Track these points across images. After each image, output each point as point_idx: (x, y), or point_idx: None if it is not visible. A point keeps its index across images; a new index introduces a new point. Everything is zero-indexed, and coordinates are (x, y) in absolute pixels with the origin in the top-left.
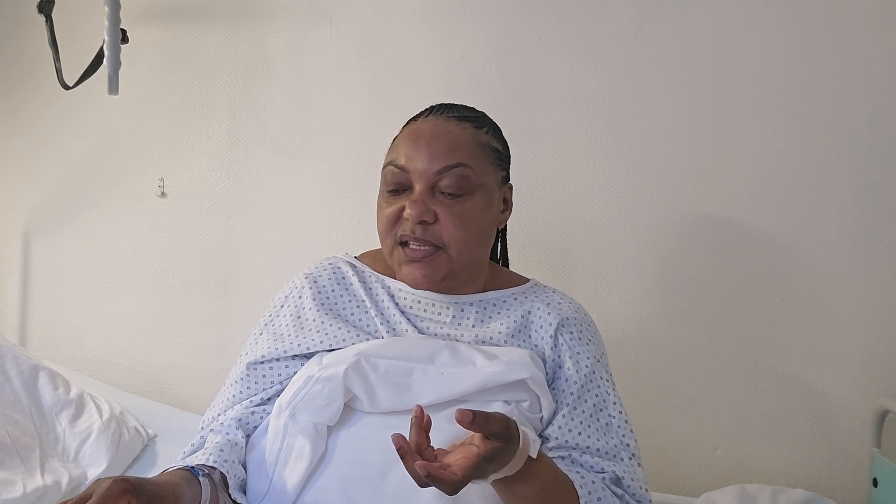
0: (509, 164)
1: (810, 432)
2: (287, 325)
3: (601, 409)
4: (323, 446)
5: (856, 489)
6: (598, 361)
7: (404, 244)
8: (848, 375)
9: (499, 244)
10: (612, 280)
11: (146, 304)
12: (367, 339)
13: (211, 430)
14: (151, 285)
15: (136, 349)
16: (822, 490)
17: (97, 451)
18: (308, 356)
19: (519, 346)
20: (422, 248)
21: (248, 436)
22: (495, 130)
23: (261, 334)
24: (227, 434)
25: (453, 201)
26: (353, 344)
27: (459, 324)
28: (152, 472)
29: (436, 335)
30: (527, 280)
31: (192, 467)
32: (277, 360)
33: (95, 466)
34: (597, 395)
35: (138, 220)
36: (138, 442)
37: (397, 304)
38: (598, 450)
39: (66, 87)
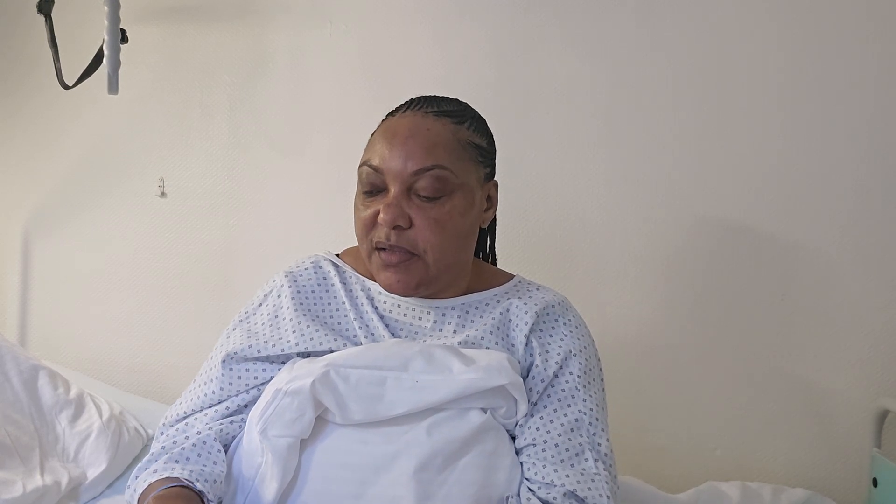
0: (494, 159)
1: (810, 432)
2: (263, 323)
3: (568, 405)
4: (294, 466)
5: (856, 489)
6: (574, 356)
7: (381, 249)
8: (848, 375)
9: (487, 241)
10: (612, 280)
11: (146, 304)
12: (345, 344)
13: (192, 444)
14: (151, 285)
15: (135, 349)
16: (822, 490)
17: (97, 451)
18: (283, 360)
19: (497, 343)
20: (396, 254)
21: (227, 444)
22: (478, 124)
23: (234, 330)
24: (210, 455)
25: (430, 204)
26: (329, 348)
27: (440, 329)
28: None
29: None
30: (511, 277)
31: (189, 484)
32: (254, 361)
33: (95, 466)
34: (563, 391)
35: (138, 220)
36: (138, 442)
37: (376, 309)
38: (556, 445)
39: (66, 87)
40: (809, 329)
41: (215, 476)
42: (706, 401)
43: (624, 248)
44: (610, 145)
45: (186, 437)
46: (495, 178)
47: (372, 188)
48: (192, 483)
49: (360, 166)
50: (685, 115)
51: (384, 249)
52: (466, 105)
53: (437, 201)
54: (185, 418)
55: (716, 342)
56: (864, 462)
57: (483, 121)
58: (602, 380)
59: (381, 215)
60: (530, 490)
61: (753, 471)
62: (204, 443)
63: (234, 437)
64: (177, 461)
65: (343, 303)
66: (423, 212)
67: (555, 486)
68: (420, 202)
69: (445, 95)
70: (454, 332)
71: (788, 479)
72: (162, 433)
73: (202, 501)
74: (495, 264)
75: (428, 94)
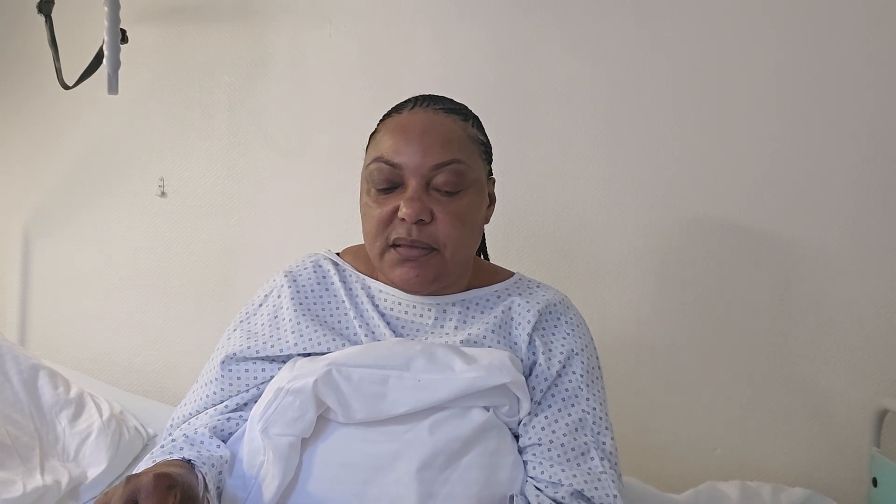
0: (492, 157)
1: (810, 432)
2: (263, 324)
3: (573, 404)
4: (295, 465)
5: (855, 488)
6: (576, 355)
7: (397, 245)
8: (848, 375)
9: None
10: (612, 280)
11: (146, 303)
12: (344, 344)
13: (190, 444)
14: (151, 285)
15: (135, 349)
16: (821, 489)
17: (97, 451)
18: (283, 360)
19: (499, 342)
20: (417, 249)
21: (223, 441)
22: (478, 122)
23: (234, 331)
24: (204, 443)
25: (448, 199)
26: (328, 348)
27: (442, 326)
28: None
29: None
30: (511, 274)
31: (190, 460)
32: (254, 361)
33: (95, 466)
34: (567, 390)
35: (138, 220)
36: (138, 441)
37: (377, 307)
38: (562, 445)
39: (66, 87)
40: (809, 329)
41: (213, 461)
42: (706, 401)
43: (624, 248)
44: (610, 145)
45: (191, 445)
46: (493, 177)
47: (388, 184)
48: (189, 461)
49: (370, 163)
50: (685, 115)
51: (401, 245)
52: (464, 104)
53: (455, 196)
54: (188, 420)
55: (716, 342)
56: (864, 461)
57: (480, 120)
58: (602, 378)
59: (403, 210)
60: (537, 489)
61: (753, 470)
62: (196, 432)
63: (230, 434)
64: (170, 453)
65: (343, 301)
66: (443, 206)
67: (562, 485)
68: (439, 196)
69: (442, 95)
70: (455, 328)
71: (788, 479)
72: (168, 434)
73: (203, 478)
74: (488, 260)
75: (428, 94)
